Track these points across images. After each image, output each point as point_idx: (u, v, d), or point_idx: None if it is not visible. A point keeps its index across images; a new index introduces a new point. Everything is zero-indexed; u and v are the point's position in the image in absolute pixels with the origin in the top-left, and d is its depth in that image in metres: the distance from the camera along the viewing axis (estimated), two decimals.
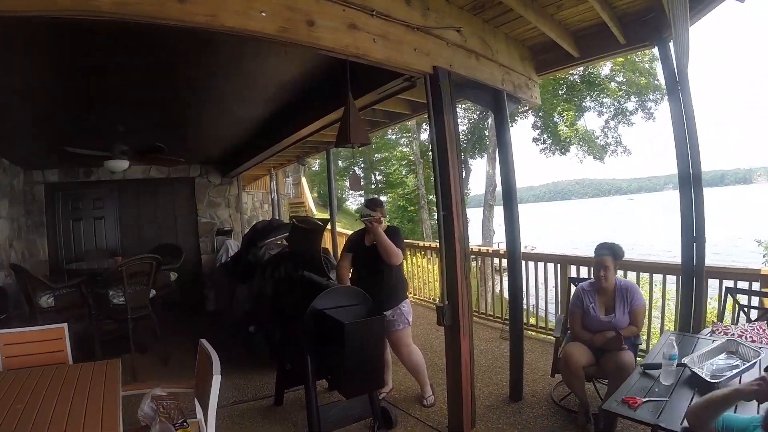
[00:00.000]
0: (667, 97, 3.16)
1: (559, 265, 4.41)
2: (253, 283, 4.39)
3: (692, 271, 3.19)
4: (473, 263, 6.33)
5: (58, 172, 6.63)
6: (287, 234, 4.54)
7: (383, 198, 22.72)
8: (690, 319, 3.24)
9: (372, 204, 3.34)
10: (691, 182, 3.06)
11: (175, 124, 4.59)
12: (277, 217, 9.83)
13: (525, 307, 4.98)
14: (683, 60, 3.01)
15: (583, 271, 4.23)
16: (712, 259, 3.53)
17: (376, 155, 25.04)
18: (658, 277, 3.89)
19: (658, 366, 2.26)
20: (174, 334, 5.48)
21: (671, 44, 3.05)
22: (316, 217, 16.66)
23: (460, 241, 2.46)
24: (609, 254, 3.01)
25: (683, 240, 3.16)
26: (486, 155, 18.24)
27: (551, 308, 4.71)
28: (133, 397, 2.30)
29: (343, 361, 2.43)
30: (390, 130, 25.13)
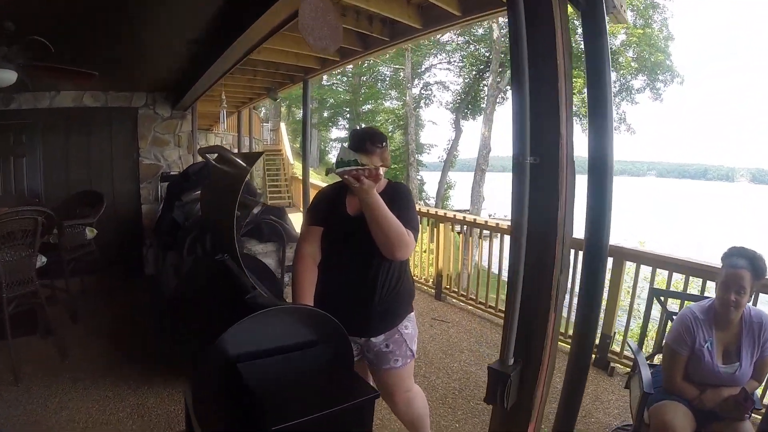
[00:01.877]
0: None
1: (612, 258, 3.08)
2: (181, 253, 3.10)
3: None
4: (455, 229, 5.08)
5: None
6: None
7: None
8: None
9: (363, 140, 1.77)
10: None
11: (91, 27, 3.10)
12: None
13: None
14: None
15: (644, 270, 3.06)
16: None
17: (364, 107, 23.34)
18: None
19: None
20: (93, 312, 4.29)
21: None
22: (292, 166, 14.21)
23: (561, 227, 1.18)
24: (748, 268, 1.83)
25: None
26: (483, 115, 17.06)
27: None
28: None
29: None
30: (380, 83, 23.28)
